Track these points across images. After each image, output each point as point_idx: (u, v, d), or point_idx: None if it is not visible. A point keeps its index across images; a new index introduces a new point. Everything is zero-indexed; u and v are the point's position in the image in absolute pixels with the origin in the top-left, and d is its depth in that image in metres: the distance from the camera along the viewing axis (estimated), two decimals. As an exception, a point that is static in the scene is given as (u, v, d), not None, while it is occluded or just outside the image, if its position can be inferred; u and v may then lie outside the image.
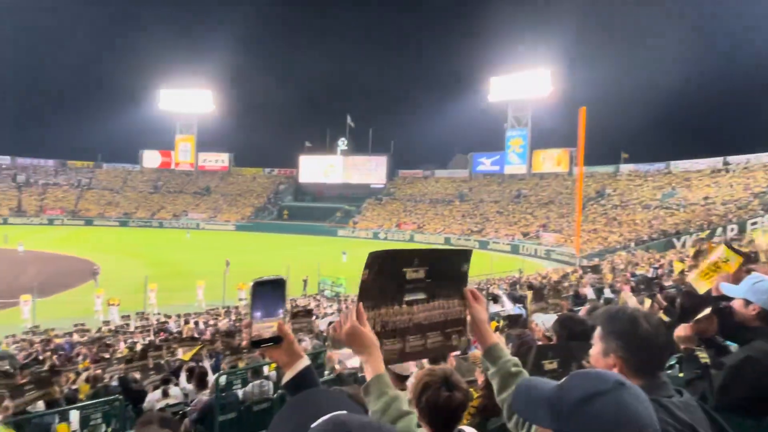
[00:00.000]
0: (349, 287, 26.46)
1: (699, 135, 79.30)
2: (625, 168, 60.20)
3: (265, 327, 1.22)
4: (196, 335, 12.79)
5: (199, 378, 7.02)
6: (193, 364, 8.05)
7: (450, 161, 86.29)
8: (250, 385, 6.12)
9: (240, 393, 6.09)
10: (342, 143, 79.38)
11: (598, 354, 1.67)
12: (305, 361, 1.28)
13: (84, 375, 8.57)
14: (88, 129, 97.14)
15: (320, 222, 68.01)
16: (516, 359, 1.67)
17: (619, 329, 1.62)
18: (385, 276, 1.49)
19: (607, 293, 7.23)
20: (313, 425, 0.83)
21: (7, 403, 5.30)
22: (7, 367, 10.15)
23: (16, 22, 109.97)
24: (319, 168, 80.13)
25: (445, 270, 1.63)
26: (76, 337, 15.32)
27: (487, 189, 69.20)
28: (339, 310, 17.92)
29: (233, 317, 17.76)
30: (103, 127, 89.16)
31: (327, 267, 30.01)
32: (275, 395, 6.03)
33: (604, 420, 1.02)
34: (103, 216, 70.94)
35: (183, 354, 9.54)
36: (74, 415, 5.45)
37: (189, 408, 6.11)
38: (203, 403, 6.03)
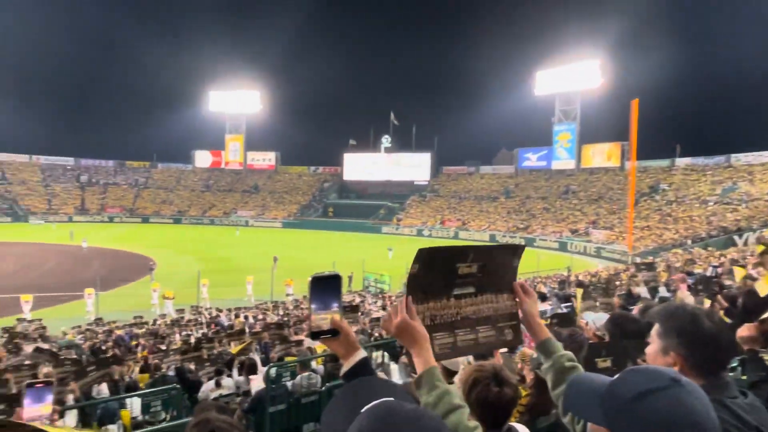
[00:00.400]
0: (393, 284, 26.57)
1: (763, 125, 74.60)
2: (681, 162, 57.40)
3: (323, 319, 1.29)
4: (246, 329, 13.19)
5: (248, 370, 7.26)
6: (243, 356, 8.33)
7: (495, 157, 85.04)
8: (299, 377, 6.26)
9: (289, 385, 6.25)
10: (386, 140, 79.64)
11: (656, 352, 1.62)
12: (361, 353, 1.32)
13: (137, 365, 9.01)
14: (144, 131, 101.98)
15: (364, 219, 68.51)
16: (570, 354, 1.64)
17: (679, 326, 1.57)
18: (435, 270, 1.49)
19: (663, 292, 6.95)
20: (363, 410, 0.87)
21: (73, 385, 5.66)
22: (74, 355, 10.83)
23: (76, 34, 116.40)
24: (363, 165, 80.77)
25: (498, 265, 1.63)
26: (135, 329, 16.13)
27: (533, 185, 67.69)
28: (383, 307, 18.04)
29: (281, 312, 18.20)
30: (158, 129, 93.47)
31: (371, 263, 30.23)
32: (323, 388, 6.15)
33: (659, 417, 0.98)
34: (159, 214, 74.19)
35: (233, 348, 9.88)
36: (136, 403, 5.76)
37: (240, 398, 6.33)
38: (255, 394, 6.25)
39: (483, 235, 56.75)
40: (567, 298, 11.04)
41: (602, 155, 63.46)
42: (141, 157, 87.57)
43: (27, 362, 8.96)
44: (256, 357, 8.38)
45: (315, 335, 1.30)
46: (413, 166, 77.75)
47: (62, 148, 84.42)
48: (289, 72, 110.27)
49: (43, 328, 15.81)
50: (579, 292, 6.08)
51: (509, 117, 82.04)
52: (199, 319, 17.71)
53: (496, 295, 1.64)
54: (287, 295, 23.64)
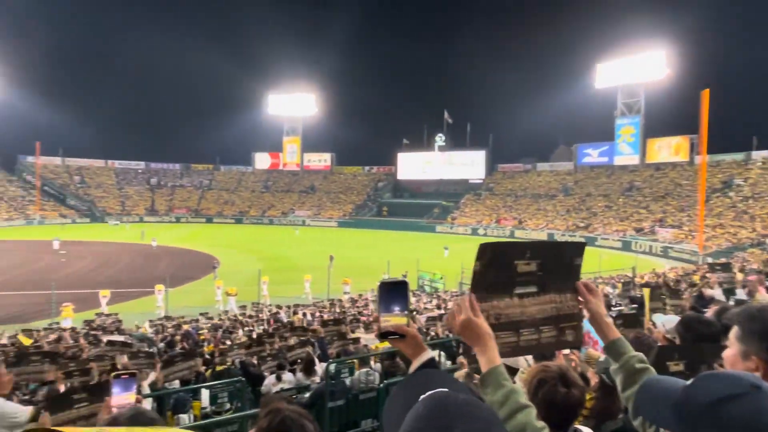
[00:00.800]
0: (447, 283, 26.39)
1: None
2: (758, 155, 53.39)
3: (391, 322, 1.36)
4: (305, 325, 13.52)
5: (306, 365, 7.45)
6: (302, 352, 8.55)
7: (552, 154, 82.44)
8: (357, 373, 6.37)
9: (348, 381, 6.37)
10: (439, 139, 79.18)
11: (735, 356, 1.54)
12: (429, 354, 1.36)
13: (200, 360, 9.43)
14: (207, 135, 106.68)
15: (418, 218, 68.43)
16: (641, 355, 1.58)
17: (762, 329, 1.49)
18: (497, 268, 1.48)
19: (740, 294, 6.50)
20: (420, 398, 0.90)
21: (159, 375, 6.03)
22: (147, 348, 11.51)
23: (146, 48, 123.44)
24: (416, 164, 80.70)
25: (558, 263, 1.60)
26: (201, 324, 16.93)
27: (594, 182, 65.15)
28: (438, 306, 17.96)
29: (338, 309, 18.53)
30: (221, 133, 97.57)
31: (425, 262, 30.17)
32: (381, 385, 6.22)
33: (739, 425, 0.93)
34: (221, 214, 77.41)
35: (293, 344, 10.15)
36: (205, 394, 6.06)
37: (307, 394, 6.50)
38: (314, 389, 6.41)
39: (540, 233, 55.24)
40: (632, 300, 10.57)
41: (669, 149, 60.14)
42: (205, 160, 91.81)
43: (105, 353, 9.64)
44: (314, 353, 8.59)
45: (383, 336, 1.37)
46: (467, 164, 76.83)
47: (134, 153, 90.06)
48: (344, 74, 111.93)
49: (119, 321, 16.91)
50: (647, 292, 5.81)
51: (568, 112, 79.42)
52: (261, 315, 18.33)
53: (560, 294, 1.60)
54: (344, 293, 24.03)
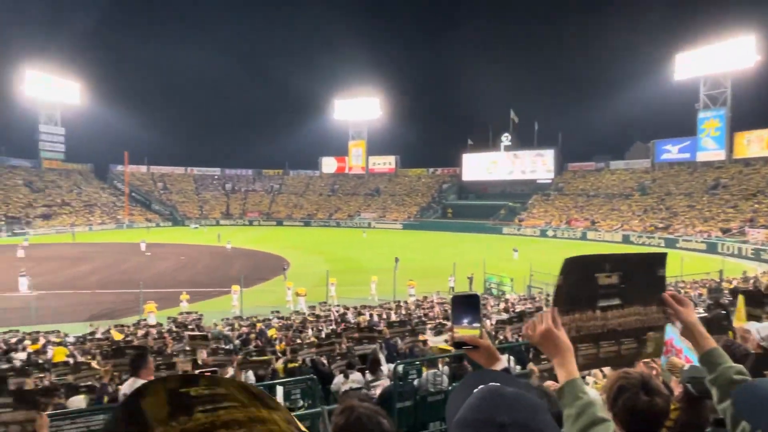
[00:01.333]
0: (516, 286, 25.75)
1: None
2: None
3: (464, 333, 1.43)
4: (372, 326, 13.70)
5: (372, 364, 7.55)
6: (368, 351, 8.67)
7: (627, 151, 78.36)
8: (425, 375, 6.38)
9: (416, 382, 6.40)
10: (505, 138, 77.48)
11: None
12: (502, 364, 1.41)
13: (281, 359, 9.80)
14: (277, 141, 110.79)
15: (484, 220, 67.29)
16: (740, 366, 1.52)
17: None
18: (579, 281, 1.51)
19: None
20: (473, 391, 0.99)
21: (236, 370, 6.36)
22: (224, 345, 12.14)
23: (220, 61, 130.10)
24: (482, 165, 79.43)
25: (640, 275, 1.60)
26: (273, 323, 17.59)
27: (674, 180, 61.14)
28: (505, 310, 17.56)
29: (404, 311, 18.61)
30: (289, 139, 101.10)
31: (492, 265, 29.60)
32: (449, 387, 6.20)
33: None
34: (291, 217, 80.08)
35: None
36: (279, 390, 6.31)
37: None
38: (382, 390, 6.49)
39: (615, 235, 52.59)
40: (718, 304, 9.82)
41: (760, 143, 55.26)
42: (275, 166, 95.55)
43: (187, 348, 10.28)
44: (382, 356, 8.69)
45: (458, 346, 1.45)
46: (535, 164, 74.64)
47: (211, 160, 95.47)
48: (407, 76, 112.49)
49: (199, 318, 17.94)
50: (741, 299, 5.41)
51: (644, 106, 75.45)
52: (329, 316, 18.77)
53: (644, 306, 1.61)
54: (409, 295, 24.10)
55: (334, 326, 16.04)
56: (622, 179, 66.82)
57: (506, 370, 1.39)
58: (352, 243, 51.91)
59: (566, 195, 68.78)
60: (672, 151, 64.06)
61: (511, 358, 7.08)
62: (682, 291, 17.49)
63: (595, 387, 3.94)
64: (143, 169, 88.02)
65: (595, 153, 75.80)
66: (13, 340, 14.96)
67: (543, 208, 67.19)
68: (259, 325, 17.09)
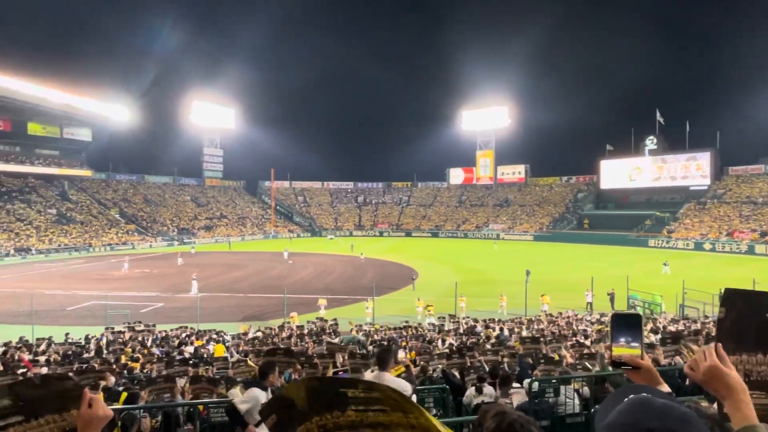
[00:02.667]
0: (666, 305, 23.25)
1: None
2: None
3: (623, 352, 1.41)
4: (503, 341, 13.41)
5: (502, 380, 7.40)
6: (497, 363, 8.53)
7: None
8: (562, 395, 6.13)
9: (551, 401, 6.17)
10: (650, 142, 70.65)
11: None
12: (665, 388, 1.38)
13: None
14: (405, 154, 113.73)
15: (626, 231, 61.79)
16: None
17: None
18: (743, 317, 1.34)
19: None
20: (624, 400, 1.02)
21: (372, 375, 6.70)
22: (358, 351, 12.79)
23: (350, 84, 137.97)
24: (623, 172, 73.22)
25: None
26: (403, 332, 18.04)
27: None
28: (654, 331, 15.95)
29: (535, 327, 17.88)
30: (417, 151, 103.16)
31: (637, 281, 27.06)
32: (591, 411, 5.88)
33: None
34: (419, 228, 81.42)
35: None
36: (413, 398, 6.51)
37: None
38: (516, 406, 6.36)
39: (794, 249, 44.88)
40: None
41: None
42: (404, 178, 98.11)
43: (325, 351, 11.03)
44: (511, 369, 8.49)
45: (616, 365, 1.43)
46: (688, 169, 66.85)
47: (345, 175, 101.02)
48: (537, 82, 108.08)
49: (336, 325, 19.07)
50: None
51: (830, 97, 63.24)
52: (458, 328, 18.73)
53: None
54: (542, 311, 23.05)
55: (463, 339, 15.98)
56: (801, 183, 56.99)
57: (670, 394, 1.31)
58: (479, 254, 51.13)
59: (727, 203, 60.43)
60: None
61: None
62: None
63: None
64: (286, 184, 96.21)
65: (764, 155, 65.46)
66: (183, 335, 17.32)
67: (698, 218, 59.80)
68: (389, 332, 17.69)
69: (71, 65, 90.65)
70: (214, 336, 17.37)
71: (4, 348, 14.65)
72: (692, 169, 66.47)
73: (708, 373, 1.24)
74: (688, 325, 16.95)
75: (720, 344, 1.29)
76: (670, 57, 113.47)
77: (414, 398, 6.15)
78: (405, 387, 5.36)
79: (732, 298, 1.34)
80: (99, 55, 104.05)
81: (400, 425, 0.94)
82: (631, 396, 1.00)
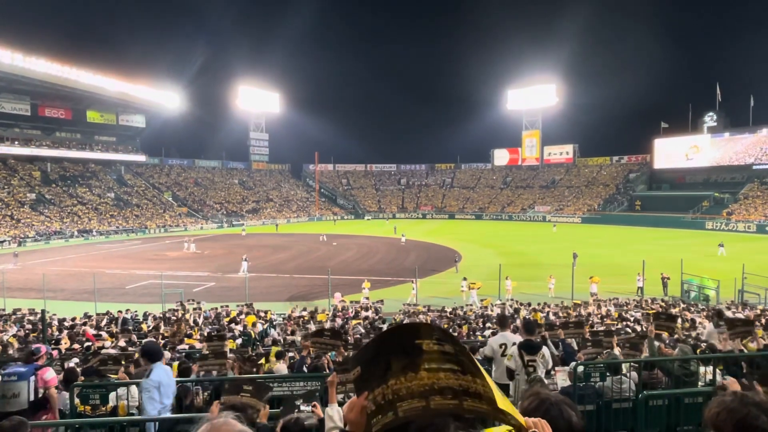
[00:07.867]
0: (723, 290, 22.15)
1: None
2: None
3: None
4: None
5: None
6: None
7: None
8: (609, 380, 6.00)
9: (597, 386, 6.05)
10: (709, 119, 66.73)
11: None
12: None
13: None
14: (449, 136, 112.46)
15: (681, 213, 59.03)
16: None
17: None
18: None
19: None
20: None
21: None
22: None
23: (391, 63, 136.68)
24: (678, 151, 69.65)
25: None
26: (445, 314, 18.06)
27: None
28: (708, 317, 15.25)
29: (582, 311, 17.47)
30: (461, 133, 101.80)
31: (692, 265, 25.83)
32: (639, 396, 5.73)
33: None
34: (462, 210, 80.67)
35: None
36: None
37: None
38: (560, 389, 6.27)
39: None
40: None
41: None
42: (447, 160, 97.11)
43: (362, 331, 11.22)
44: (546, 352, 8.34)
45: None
46: (752, 147, 62.86)
47: (387, 157, 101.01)
48: (586, 58, 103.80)
49: (381, 304, 19.30)
50: None
51: None
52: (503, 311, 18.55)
53: None
54: (591, 293, 22.46)
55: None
56: None
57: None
58: (525, 237, 50.20)
59: (796, 183, 56.63)
60: None
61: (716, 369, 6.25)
62: None
63: None
64: (330, 167, 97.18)
65: (841, 130, 60.68)
66: (233, 314, 17.98)
67: (761, 199, 56.35)
68: (431, 314, 17.73)
69: (126, 54, 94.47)
70: (262, 314, 17.91)
71: (71, 323, 15.71)
72: (757, 147, 62.45)
73: None
74: (746, 311, 16.12)
75: None
76: (731, 28, 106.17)
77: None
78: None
79: None
80: (151, 44, 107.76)
81: (467, 393, 0.94)
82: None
